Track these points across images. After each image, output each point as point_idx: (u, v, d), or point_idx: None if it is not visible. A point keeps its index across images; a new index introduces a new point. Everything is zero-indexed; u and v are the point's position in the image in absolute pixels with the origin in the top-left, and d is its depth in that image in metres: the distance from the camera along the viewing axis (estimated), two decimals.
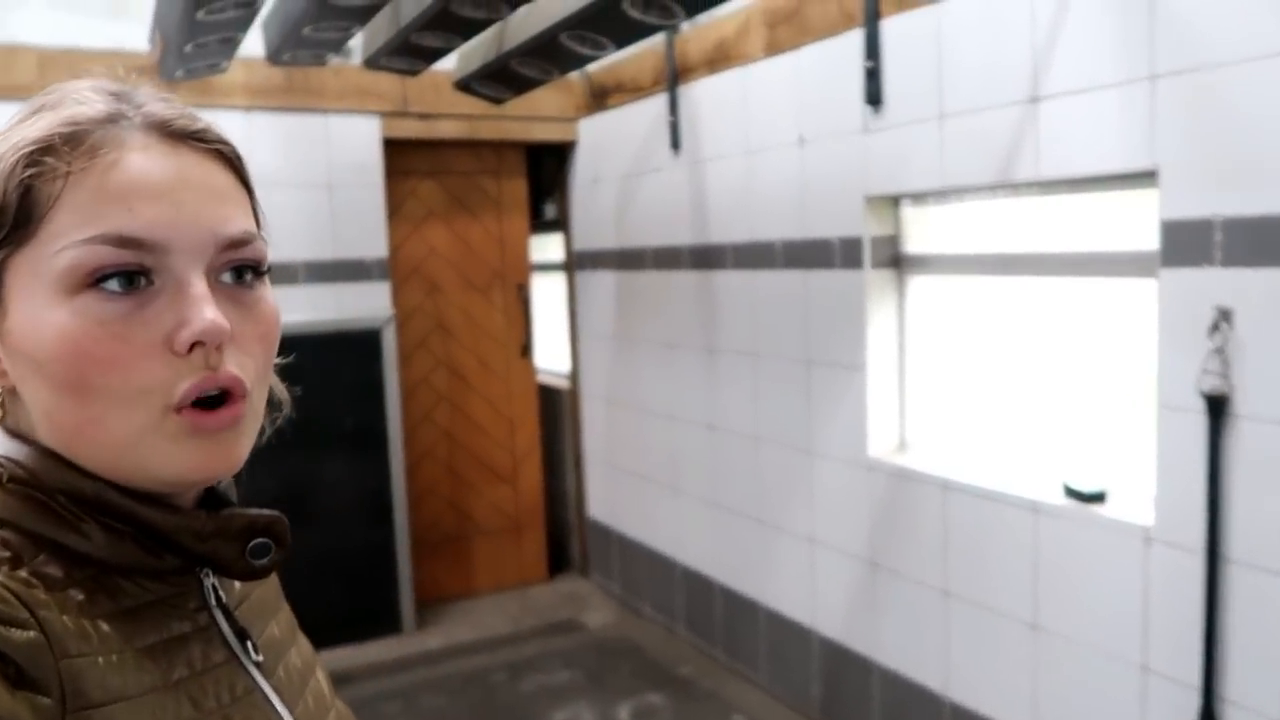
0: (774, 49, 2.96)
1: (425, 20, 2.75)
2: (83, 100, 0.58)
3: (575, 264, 4.32)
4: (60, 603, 0.53)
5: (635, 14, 2.48)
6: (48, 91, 0.60)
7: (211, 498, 0.65)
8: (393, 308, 3.83)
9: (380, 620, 3.78)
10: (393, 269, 3.96)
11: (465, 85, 3.33)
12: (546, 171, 4.48)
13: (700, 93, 3.36)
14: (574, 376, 4.40)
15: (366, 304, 3.76)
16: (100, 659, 0.52)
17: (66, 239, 0.54)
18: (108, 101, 0.58)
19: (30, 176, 0.55)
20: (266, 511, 0.63)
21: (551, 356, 4.65)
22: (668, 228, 3.59)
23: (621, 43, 2.78)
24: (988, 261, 2.52)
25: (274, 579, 0.77)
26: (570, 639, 3.75)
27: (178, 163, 0.58)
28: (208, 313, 0.55)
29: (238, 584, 0.67)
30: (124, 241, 0.54)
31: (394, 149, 3.88)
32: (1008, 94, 2.23)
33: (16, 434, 0.59)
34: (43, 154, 0.55)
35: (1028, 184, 2.28)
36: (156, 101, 0.60)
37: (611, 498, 4.17)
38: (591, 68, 4.03)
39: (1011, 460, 2.50)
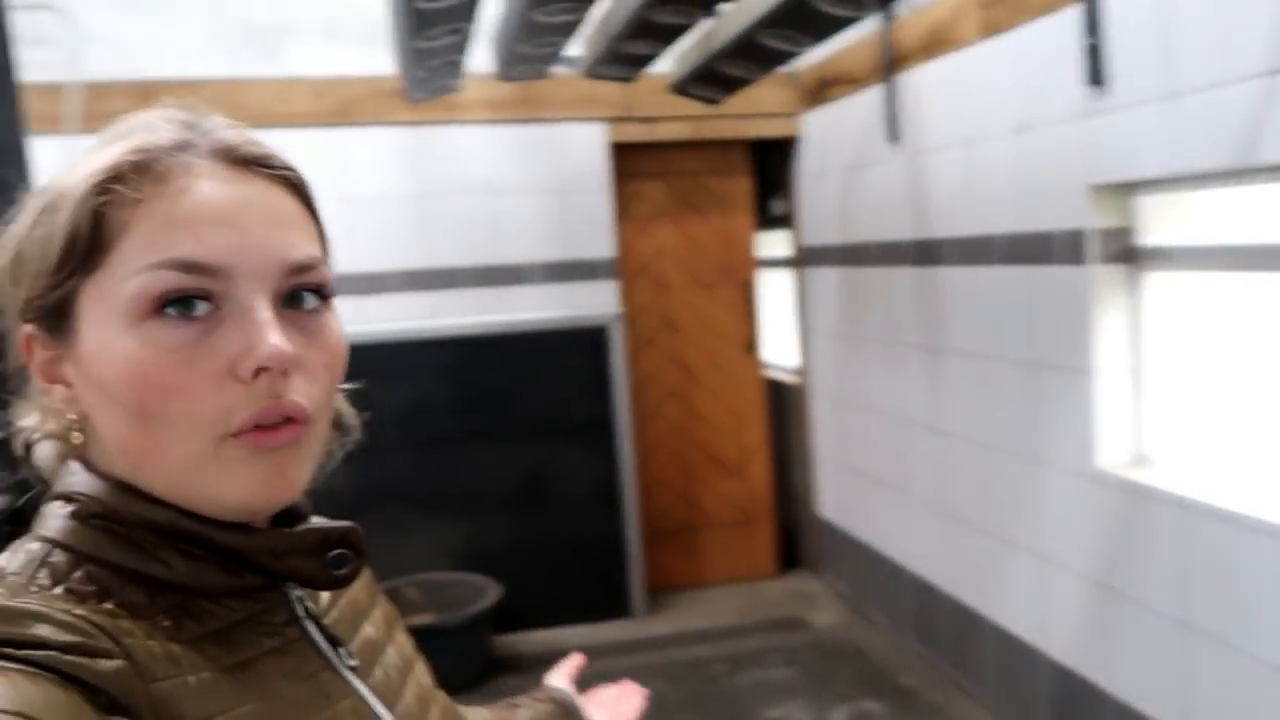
0: (989, 30, 2.76)
1: (628, 29, 2.84)
2: (152, 129, 0.59)
3: (802, 260, 4.27)
4: (146, 630, 0.54)
5: (827, 8, 2.42)
6: (119, 121, 0.61)
7: (286, 514, 0.66)
8: (621, 305, 3.98)
9: (612, 604, 3.96)
10: (621, 268, 4.11)
11: (680, 88, 3.39)
12: (773, 168, 4.45)
13: (916, 81, 3.20)
14: (802, 373, 4.36)
15: (595, 302, 3.94)
16: (191, 679, 0.54)
17: (135, 265, 0.55)
18: (177, 129, 0.59)
19: (101, 204, 0.56)
20: (339, 524, 0.64)
21: (780, 353, 4.63)
22: (888, 222, 3.46)
23: (819, 38, 2.72)
24: (1237, 255, 2.22)
25: (367, 579, 0.79)
26: (794, 637, 3.75)
27: (244, 189, 0.58)
28: (272, 338, 0.56)
29: (325, 594, 0.69)
30: (190, 267, 0.55)
31: (621, 153, 4.02)
32: (1247, 66, 1.95)
33: (92, 468, 0.60)
34: (113, 181, 0.56)
35: (1275, 167, 1.99)
36: (225, 129, 0.60)
37: (841, 496, 4.10)
38: (812, 60, 3.96)
39: (1268, 481, 2.20)
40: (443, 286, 3.82)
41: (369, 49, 3.72)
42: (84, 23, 3.46)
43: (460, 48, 2.88)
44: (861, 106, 3.57)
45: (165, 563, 0.57)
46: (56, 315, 0.58)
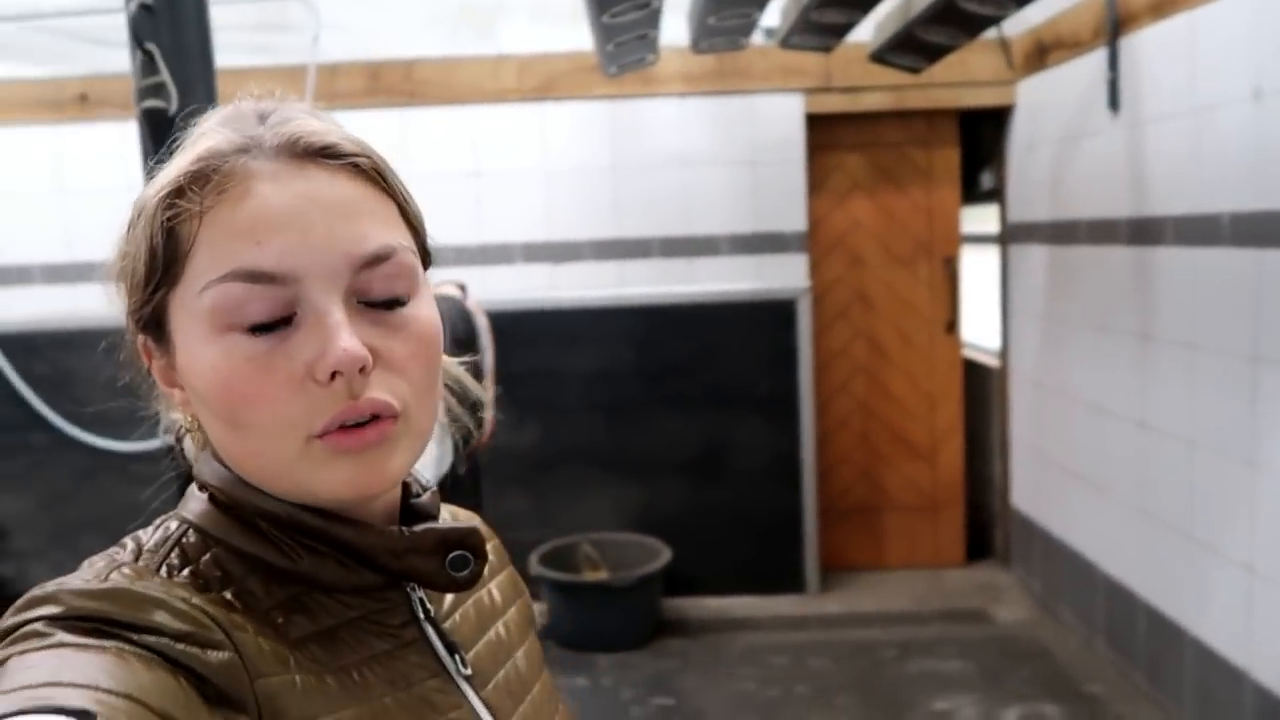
0: None
1: None
2: (212, 134, 0.58)
3: (1009, 236, 4.03)
4: (258, 625, 0.55)
5: None
6: (190, 126, 0.61)
7: (411, 512, 0.65)
8: (810, 279, 3.92)
9: (784, 578, 3.95)
10: (814, 242, 4.04)
11: (880, 57, 3.28)
12: (984, 139, 4.22)
13: (1142, 44, 2.93)
14: (1003, 355, 4.13)
15: (784, 275, 3.90)
16: (297, 679, 0.54)
17: (205, 278, 0.55)
18: (242, 131, 0.58)
19: (170, 218, 0.56)
20: (459, 525, 0.63)
21: (981, 333, 4.40)
22: (1102, 197, 3.20)
23: (1023, 0, 2.55)
24: None
25: (511, 577, 0.77)
26: (972, 629, 3.60)
27: (307, 185, 0.56)
28: (343, 341, 0.54)
29: (449, 595, 0.67)
30: (254, 276, 0.54)
31: (818, 124, 3.94)
32: None
33: (220, 460, 0.61)
34: (177, 195, 0.56)
35: None
36: (292, 121, 0.58)
37: (1036, 487, 3.87)
38: (1028, 24, 3.71)
39: None
40: (633, 256, 3.91)
41: (574, 26, 3.83)
42: (323, 10, 3.77)
43: (649, 22, 2.92)
44: (1080, 73, 3.31)
45: (289, 554, 0.58)
46: (155, 325, 0.59)
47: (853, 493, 4.23)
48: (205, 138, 0.58)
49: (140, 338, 0.61)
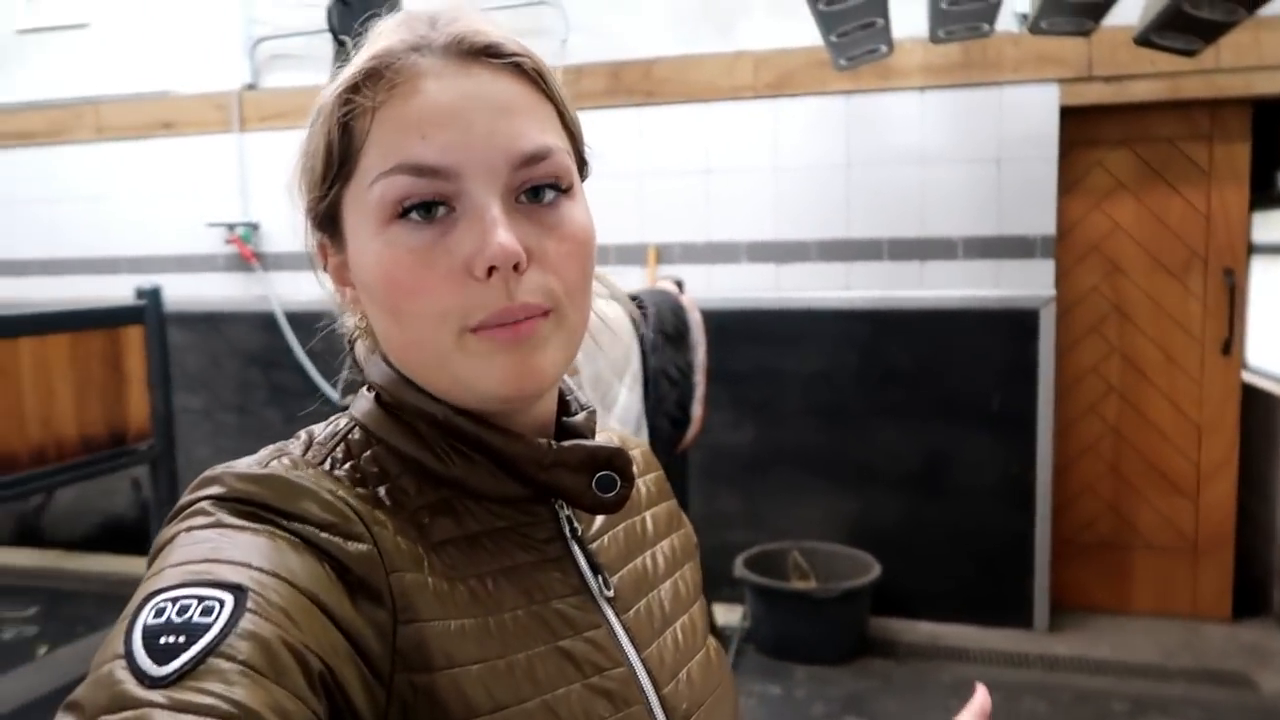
0: None
1: None
2: (385, 33, 0.60)
3: None
4: (400, 524, 0.57)
5: None
6: (367, 31, 0.63)
7: (564, 431, 0.66)
8: (1056, 288, 3.59)
9: (1010, 610, 3.63)
10: (1064, 247, 3.70)
11: (1146, 39, 2.94)
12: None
13: None
14: None
15: (1026, 282, 3.60)
16: (429, 580, 0.56)
17: (374, 172, 0.57)
18: (410, 30, 0.59)
19: (345, 114, 0.58)
20: (606, 445, 0.63)
21: (1267, 357, 3.82)
22: None
23: None
24: None
25: (671, 510, 0.77)
26: (1228, 694, 3.12)
27: (470, 83, 0.58)
28: (500, 237, 0.55)
29: (599, 518, 0.68)
30: (419, 170, 0.56)
31: (1075, 118, 3.60)
32: None
33: (386, 361, 0.63)
34: (352, 91, 0.58)
35: None
36: (459, 21, 0.60)
37: None
38: None
39: None
40: (861, 258, 3.76)
41: (813, 21, 3.75)
42: (573, 14, 3.93)
43: (875, 9, 2.79)
44: None
45: (442, 456, 0.60)
46: (330, 221, 0.62)
47: (1096, 526, 3.82)
48: (380, 38, 0.60)
49: (317, 236, 0.64)
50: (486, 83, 0.58)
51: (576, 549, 0.63)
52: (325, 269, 0.64)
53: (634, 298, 2.69)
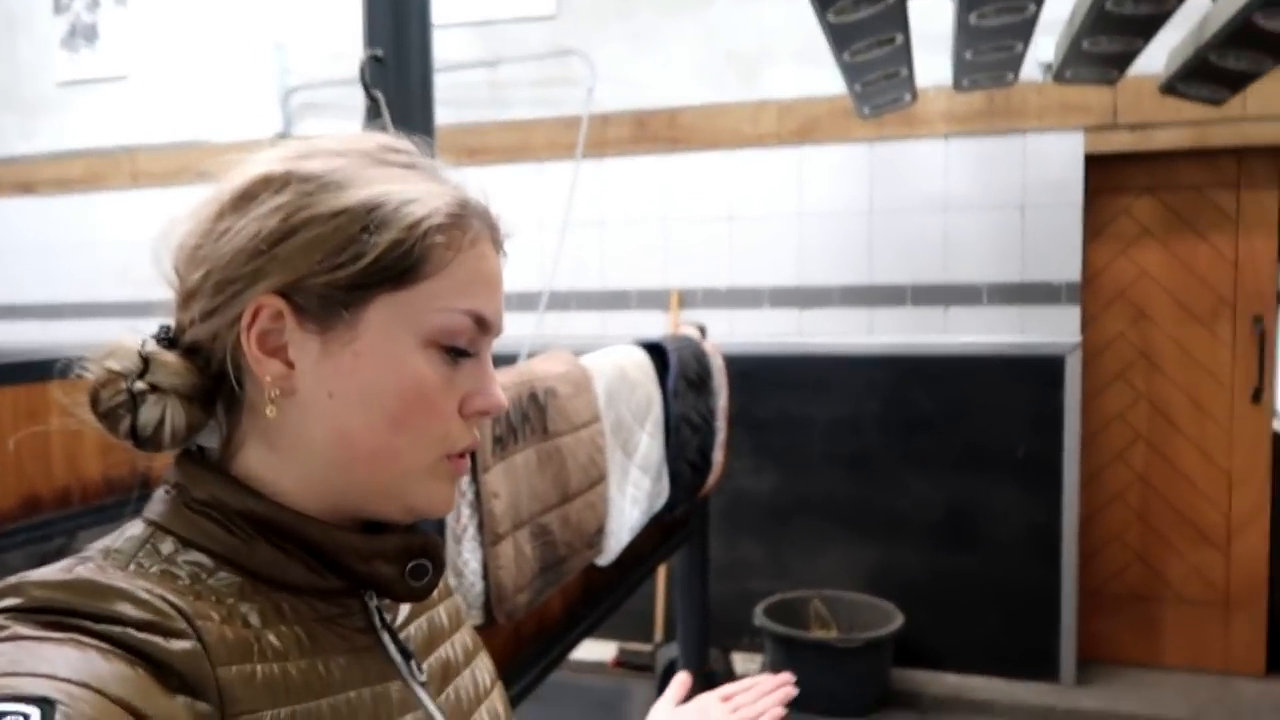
0: None
1: (1090, 24, 2.55)
2: (458, 184, 0.67)
3: None
4: (225, 617, 0.57)
5: None
6: (391, 149, 0.67)
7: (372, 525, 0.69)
8: (1082, 334, 3.57)
9: (1034, 662, 3.57)
10: (1090, 294, 3.68)
11: (1171, 88, 2.96)
12: None
13: None
14: None
15: (1052, 329, 3.58)
16: (260, 669, 0.56)
17: (444, 303, 0.63)
18: (476, 195, 0.68)
19: (434, 241, 0.62)
20: (421, 533, 0.68)
21: None
22: None
23: None
24: None
25: (455, 606, 0.80)
26: None
27: (499, 262, 0.68)
28: (499, 392, 0.67)
29: (404, 608, 0.71)
30: (481, 321, 0.65)
31: (1100, 165, 3.60)
32: None
33: (202, 459, 0.65)
34: (448, 229, 0.63)
35: None
36: (491, 204, 0.69)
37: None
38: None
39: None
40: (884, 303, 3.76)
41: (837, 69, 3.80)
42: (599, 64, 4.00)
43: (898, 60, 2.82)
44: None
45: (256, 553, 0.61)
46: (337, 305, 0.61)
47: (1124, 577, 3.75)
48: (455, 186, 0.66)
49: (270, 299, 0.61)
50: (500, 267, 0.68)
51: (387, 638, 0.66)
52: (246, 332, 0.61)
53: (657, 344, 2.70)
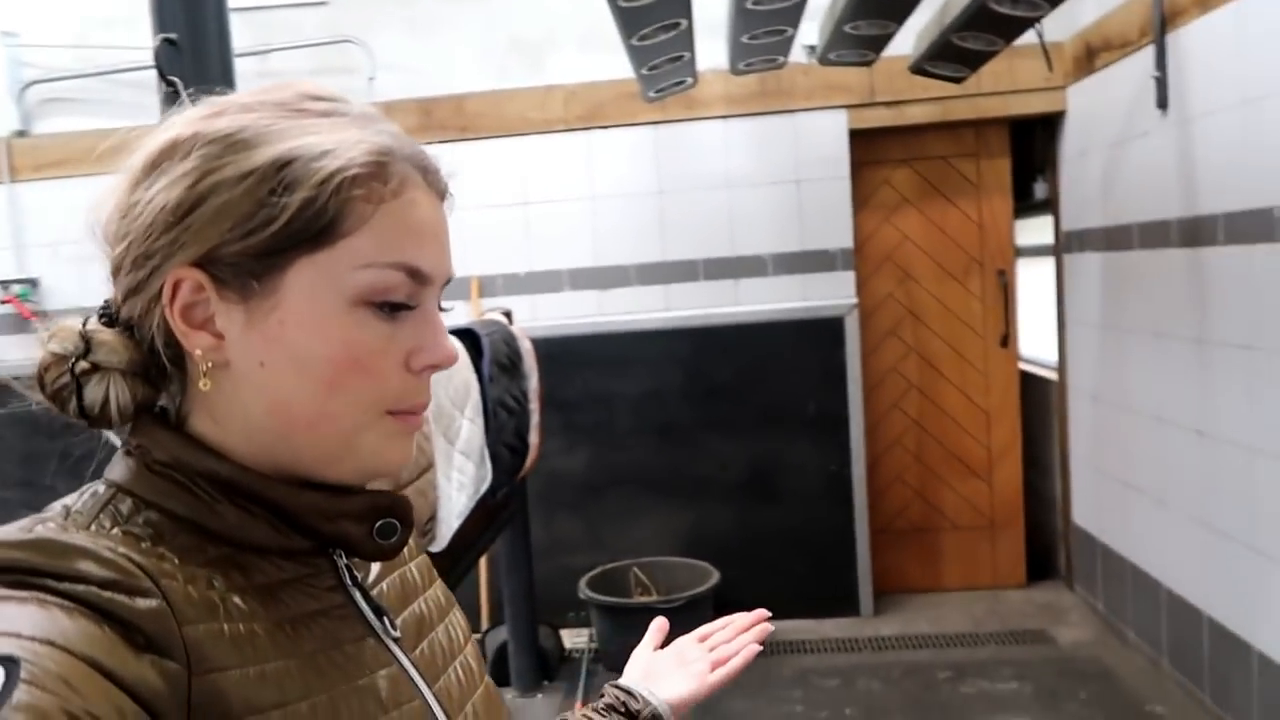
0: None
1: (851, 9, 2.78)
2: (384, 129, 0.63)
3: (1064, 246, 3.94)
4: (189, 577, 0.56)
5: None
6: (310, 96, 0.63)
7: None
8: (857, 296, 3.89)
9: (837, 601, 3.88)
10: (862, 258, 4.01)
11: (919, 68, 3.26)
12: (1036, 148, 4.14)
13: (1190, 39, 2.86)
14: (1061, 369, 4.02)
15: (832, 293, 3.88)
16: (225, 628, 0.55)
17: (368, 259, 0.60)
18: (396, 137, 0.63)
19: (351, 196, 0.59)
20: (388, 492, 0.67)
21: (1038, 347, 4.30)
22: (1154, 200, 3.12)
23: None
24: None
25: (427, 563, 0.80)
26: (1031, 651, 3.47)
27: (438, 210, 0.65)
28: (449, 343, 0.64)
29: (375, 566, 0.71)
30: (414, 274, 0.61)
31: (862, 140, 3.92)
32: None
33: (164, 420, 0.63)
34: (364, 181, 0.59)
35: None
36: (425, 149, 0.65)
37: (1098, 503, 3.74)
38: (1077, 27, 3.65)
39: None
40: (679, 279, 3.93)
41: (620, 54, 3.89)
42: (379, 52, 3.90)
43: (683, 44, 2.95)
44: (1129, 74, 3.25)
45: (219, 514, 0.60)
46: (248, 274, 0.59)
47: (907, 514, 4.14)
48: (375, 130, 0.62)
49: (186, 272, 0.59)
50: (443, 213, 0.65)
51: (359, 596, 0.65)
52: (170, 307, 0.60)
53: (468, 330, 2.71)
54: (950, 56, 3.10)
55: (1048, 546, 4.20)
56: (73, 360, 0.61)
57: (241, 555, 0.60)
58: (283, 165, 0.59)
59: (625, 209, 3.94)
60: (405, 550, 0.75)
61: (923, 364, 4.12)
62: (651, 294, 3.95)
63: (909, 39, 3.15)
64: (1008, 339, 4.08)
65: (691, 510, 3.93)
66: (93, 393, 0.61)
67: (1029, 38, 3.12)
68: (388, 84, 3.90)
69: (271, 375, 0.60)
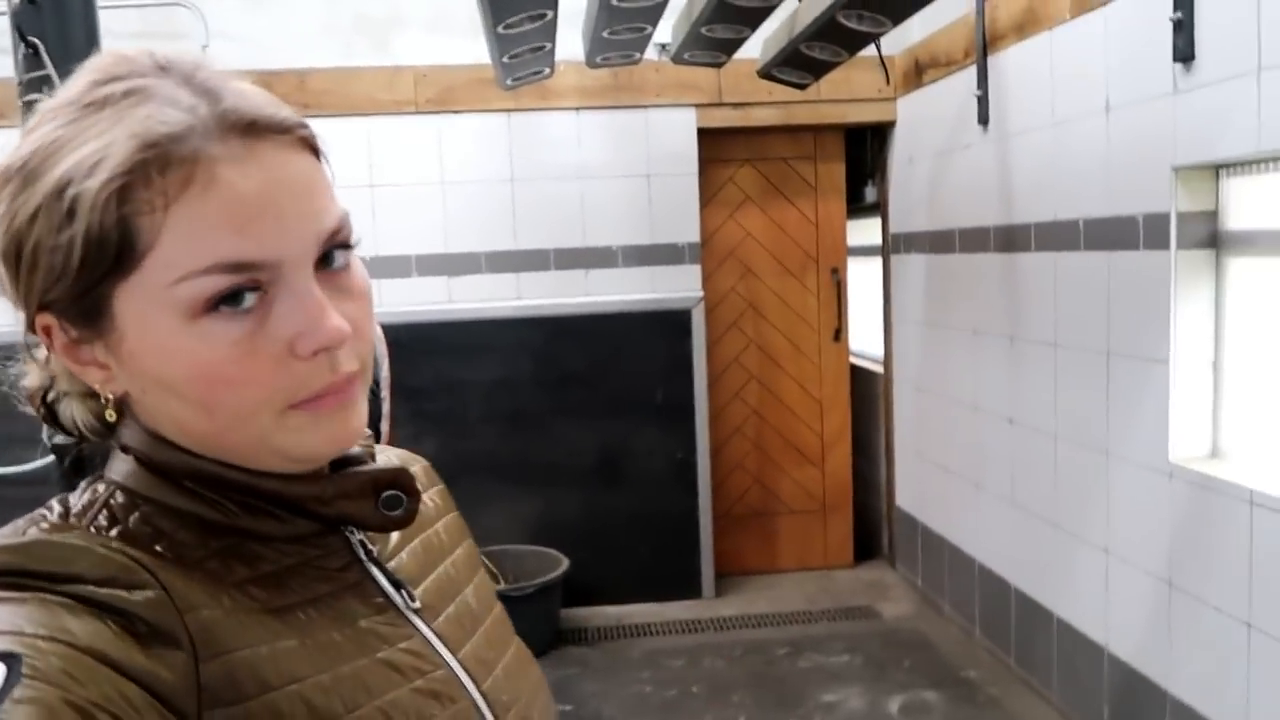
0: (1082, 7, 2.69)
1: (708, 13, 2.88)
2: (151, 110, 0.53)
3: (891, 247, 4.22)
4: (191, 569, 0.55)
5: None
6: (109, 77, 0.54)
7: (341, 461, 0.65)
8: (703, 290, 4.03)
9: (681, 584, 4.02)
10: (707, 253, 4.15)
11: (767, 73, 3.41)
12: (867, 154, 4.41)
13: (1008, 62, 3.13)
14: (887, 362, 4.31)
15: (679, 286, 3.99)
16: (232, 614, 0.54)
17: (181, 269, 0.53)
18: (172, 102, 0.53)
19: (127, 211, 0.52)
20: (385, 466, 0.64)
21: (867, 341, 4.58)
22: (974, 208, 3.40)
23: (898, 17, 2.71)
24: None
25: (454, 520, 0.78)
26: (860, 625, 3.72)
27: (265, 166, 0.54)
28: (332, 319, 0.55)
29: (394, 535, 0.68)
30: (239, 267, 0.53)
31: (710, 138, 4.06)
32: None
33: (142, 426, 0.60)
34: (136, 187, 0.52)
35: None
36: (227, 92, 0.55)
37: (919, 487, 4.04)
38: (907, 44, 3.91)
39: None
40: (530, 268, 3.95)
41: (472, 39, 3.86)
42: (213, 19, 3.70)
43: (545, 35, 2.97)
44: (954, 90, 3.52)
45: (221, 508, 0.59)
46: (85, 313, 0.56)
47: (746, 499, 4.33)
48: (140, 116, 0.53)
49: (44, 319, 0.57)
50: (281, 163, 0.55)
51: (375, 569, 0.64)
52: (53, 350, 0.58)
53: None
54: (797, 64, 3.26)
55: (873, 528, 4.49)
56: (42, 392, 0.63)
57: (245, 545, 0.59)
58: (60, 192, 0.52)
59: (477, 195, 3.92)
60: (433, 509, 0.75)
61: (762, 356, 4.31)
62: (502, 282, 3.94)
63: (757, 44, 3.30)
64: (840, 333, 4.33)
65: (541, 497, 3.97)
66: (65, 418, 0.63)
67: (867, 50, 3.33)
68: (223, 53, 3.70)
69: (156, 400, 0.58)
